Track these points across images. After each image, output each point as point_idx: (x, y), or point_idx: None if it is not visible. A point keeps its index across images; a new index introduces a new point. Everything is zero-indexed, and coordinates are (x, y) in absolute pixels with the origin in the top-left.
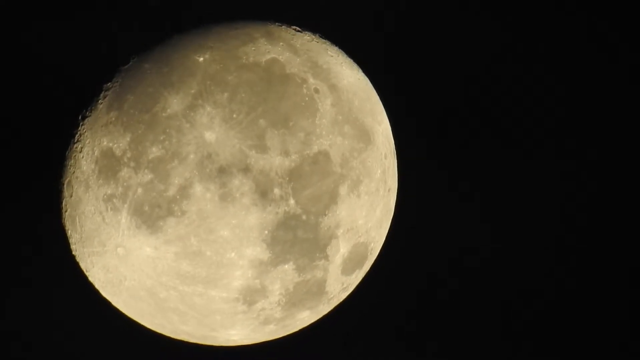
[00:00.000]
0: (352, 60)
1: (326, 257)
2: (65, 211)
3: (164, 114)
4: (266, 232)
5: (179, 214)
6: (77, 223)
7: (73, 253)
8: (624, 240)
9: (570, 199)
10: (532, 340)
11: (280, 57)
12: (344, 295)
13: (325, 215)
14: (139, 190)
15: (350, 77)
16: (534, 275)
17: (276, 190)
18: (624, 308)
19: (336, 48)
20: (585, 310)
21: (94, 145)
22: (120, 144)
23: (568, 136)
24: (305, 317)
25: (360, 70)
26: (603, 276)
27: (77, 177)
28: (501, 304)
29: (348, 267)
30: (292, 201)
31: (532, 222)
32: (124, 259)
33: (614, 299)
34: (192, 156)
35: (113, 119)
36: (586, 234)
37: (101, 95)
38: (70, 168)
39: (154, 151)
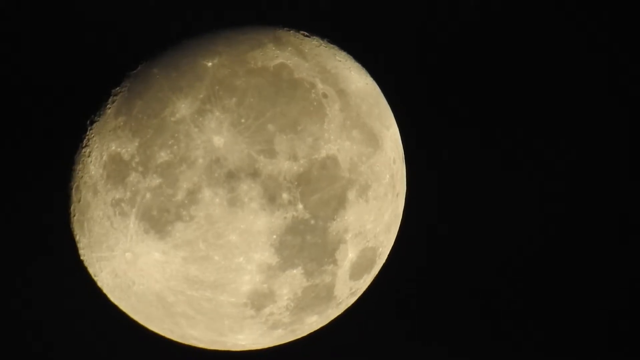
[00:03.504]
0: (360, 65)
1: (334, 262)
2: (74, 216)
3: (172, 119)
4: (274, 236)
5: (187, 218)
6: (86, 228)
7: (81, 258)
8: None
9: (580, 204)
10: (542, 345)
11: (289, 61)
12: (352, 300)
13: (334, 220)
14: (147, 195)
15: (358, 81)
16: (545, 278)
17: (284, 195)
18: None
19: (344, 53)
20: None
21: (102, 150)
22: (129, 149)
23: (581, 142)
24: (313, 322)
25: (368, 75)
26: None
27: (85, 182)
28: (510, 307)
29: (356, 272)
30: (300, 206)
31: (540, 226)
32: (133, 264)
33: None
34: (200, 161)
35: (121, 123)
36: (595, 240)
37: (110, 100)
38: (78, 173)
39: (163, 156)
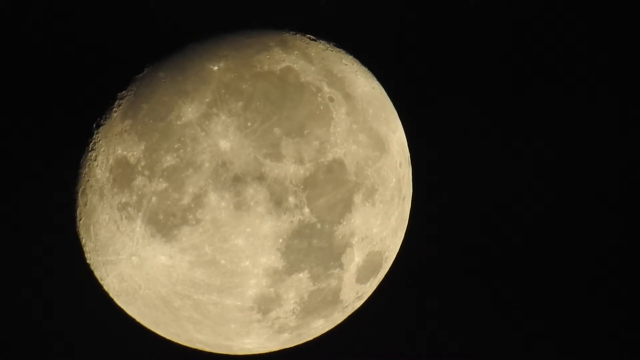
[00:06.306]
0: (366, 69)
1: (341, 266)
2: (80, 220)
3: (178, 123)
4: (281, 240)
5: (194, 222)
6: (92, 232)
7: (87, 262)
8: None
9: (585, 208)
10: (551, 347)
11: (295, 65)
12: (358, 304)
13: (340, 223)
14: (154, 198)
15: (364, 85)
16: (553, 279)
17: (291, 199)
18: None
19: (350, 57)
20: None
21: (108, 153)
22: (135, 153)
23: (587, 145)
24: (319, 326)
25: (374, 79)
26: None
27: (91, 186)
28: (517, 311)
29: (363, 276)
30: (306, 210)
31: (547, 227)
32: (139, 268)
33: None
34: (206, 165)
35: (128, 127)
36: (603, 240)
37: (116, 103)
38: (84, 176)
39: (169, 160)
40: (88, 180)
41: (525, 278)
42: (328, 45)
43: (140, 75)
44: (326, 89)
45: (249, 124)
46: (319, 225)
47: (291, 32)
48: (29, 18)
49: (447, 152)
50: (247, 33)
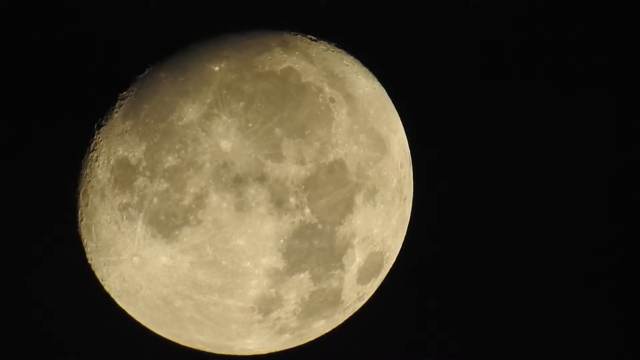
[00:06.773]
0: (367, 70)
1: (342, 267)
2: (81, 220)
3: (179, 123)
4: (282, 241)
5: (195, 223)
6: (93, 232)
7: (89, 262)
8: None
9: (589, 210)
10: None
11: (296, 66)
12: (359, 305)
13: (341, 224)
14: (155, 199)
15: (365, 86)
16: (553, 278)
17: (292, 200)
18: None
19: (351, 57)
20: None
21: (109, 154)
22: (136, 153)
23: (590, 147)
24: (320, 327)
25: (375, 80)
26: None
27: (92, 186)
28: (518, 311)
29: (364, 276)
30: (307, 210)
31: (549, 228)
32: (140, 268)
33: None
34: (207, 165)
35: (129, 128)
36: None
37: (117, 104)
38: (85, 177)
39: (170, 160)
40: (89, 181)
41: (525, 278)
42: (329, 46)
43: (142, 75)
44: (327, 89)
45: (250, 124)
46: (320, 226)
47: (292, 32)
48: (29, 18)
49: (448, 152)
50: (248, 34)
